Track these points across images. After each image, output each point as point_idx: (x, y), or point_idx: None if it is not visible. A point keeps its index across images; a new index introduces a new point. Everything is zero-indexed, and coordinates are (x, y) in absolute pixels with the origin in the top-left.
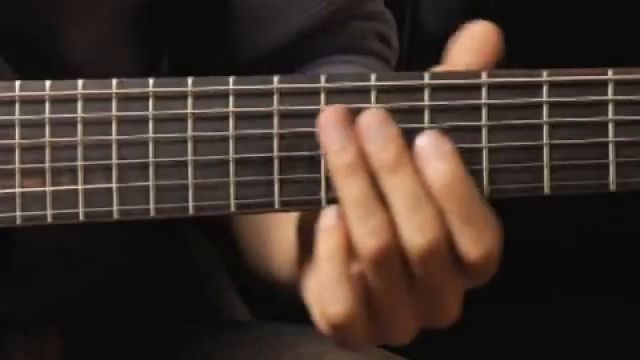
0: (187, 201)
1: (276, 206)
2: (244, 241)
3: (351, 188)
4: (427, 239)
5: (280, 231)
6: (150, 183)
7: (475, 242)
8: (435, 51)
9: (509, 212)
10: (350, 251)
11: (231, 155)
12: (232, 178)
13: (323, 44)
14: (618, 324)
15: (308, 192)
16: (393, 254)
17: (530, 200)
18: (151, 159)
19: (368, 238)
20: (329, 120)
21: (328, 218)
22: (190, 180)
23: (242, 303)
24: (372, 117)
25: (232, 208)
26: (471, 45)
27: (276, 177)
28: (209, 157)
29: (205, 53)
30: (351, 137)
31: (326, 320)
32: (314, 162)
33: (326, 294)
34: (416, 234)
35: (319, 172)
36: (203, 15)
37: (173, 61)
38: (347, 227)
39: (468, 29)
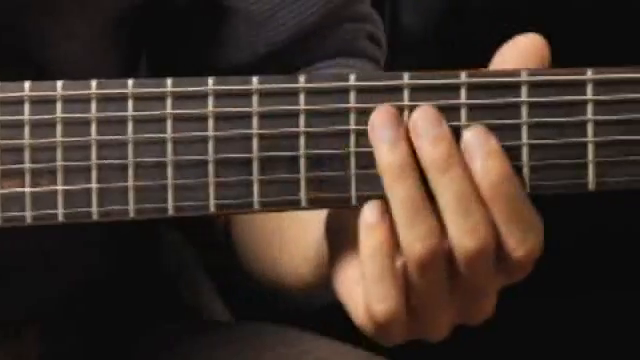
0: (166, 202)
1: (256, 207)
2: (246, 246)
3: (401, 188)
4: (476, 243)
5: (297, 233)
6: (129, 184)
7: (521, 241)
8: (415, 51)
9: None
10: (394, 247)
11: (210, 156)
12: (212, 179)
13: (315, 48)
14: (617, 322)
15: (288, 192)
16: (439, 258)
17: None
18: (130, 160)
19: (416, 243)
20: (380, 119)
21: (370, 214)
22: (170, 181)
23: (222, 303)
24: (423, 115)
25: (212, 209)
26: (515, 56)
27: (256, 178)
28: (189, 158)
29: (189, 55)
30: (402, 135)
31: (370, 317)
32: (294, 162)
33: (371, 291)
34: (465, 238)
35: (299, 172)
36: (193, 18)
37: (152, 62)
38: (392, 225)
39: (515, 40)
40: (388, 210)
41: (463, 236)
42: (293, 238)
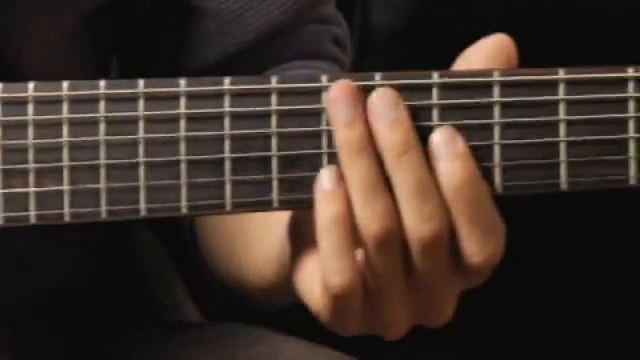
0: (139, 203)
1: (228, 208)
2: (211, 245)
3: (358, 167)
4: (431, 231)
5: (261, 233)
6: (102, 185)
7: (481, 245)
8: (386, 51)
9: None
10: (351, 219)
11: (183, 156)
12: (184, 180)
13: (281, 49)
14: (612, 323)
15: (260, 193)
16: (394, 238)
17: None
18: (102, 161)
19: (372, 221)
20: (338, 94)
21: (326, 181)
22: (142, 182)
23: (194, 304)
24: (382, 96)
25: (184, 210)
26: (482, 57)
27: (228, 178)
28: (161, 158)
29: (158, 56)
30: (360, 114)
31: (327, 292)
32: (266, 163)
33: (327, 264)
34: (421, 225)
35: (271, 173)
36: (160, 18)
37: (122, 63)
38: (348, 196)
39: (481, 41)
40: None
41: (419, 223)
42: (257, 238)
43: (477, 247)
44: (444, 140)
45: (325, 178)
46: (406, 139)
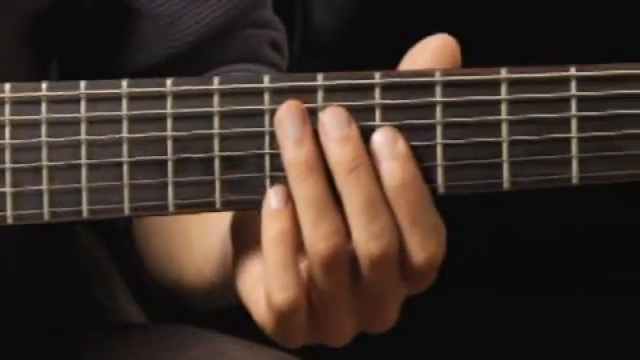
0: (81, 205)
1: (170, 209)
2: (149, 245)
3: (306, 186)
4: (381, 248)
5: (202, 232)
6: (44, 187)
7: (422, 246)
8: (328, 51)
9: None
10: (297, 236)
11: (125, 158)
12: (126, 181)
13: (220, 52)
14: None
15: (203, 195)
16: (343, 258)
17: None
18: (45, 163)
19: (319, 242)
20: (286, 114)
21: (273, 201)
22: (84, 183)
23: (137, 305)
24: (333, 115)
25: (126, 211)
26: (426, 57)
27: (170, 180)
28: (103, 160)
29: (97, 58)
30: (309, 132)
31: (270, 309)
32: (209, 164)
33: (271, 280)
34: (371, 243)
35: (214, 174)
36: (100, 20)
37: (62, 66)
38: (295, 213)
39: (425, 41)
40: (292, 200)
41: (368, 241)
42: (197, 237)
43: (419, 247)
44: (385, 141)
45: (272, 197)
46: (356, 155)
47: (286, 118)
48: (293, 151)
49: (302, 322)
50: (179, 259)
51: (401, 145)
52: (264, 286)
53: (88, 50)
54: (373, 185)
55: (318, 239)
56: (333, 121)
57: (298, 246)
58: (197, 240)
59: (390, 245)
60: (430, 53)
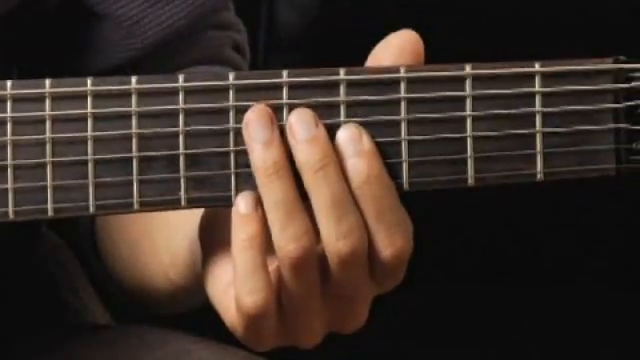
0: (46, 203)
1: (135, 207)
2: (112, 248)
3: (274, 189)
4: (350, 247)
5: (169, 234)
6: (9, 186)
7: (388, 241)
8: (292, 49)
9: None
10: (266, 241)
11: (90, 156)
12: (91, 179)
13: (181, 54)
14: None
15: (168, 192)
16: (312, 260)
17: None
18: (9, 161)
19: (288, 243)
20: (254, 117)
21: (243, 205)
22: (49, 182)
23: (102, 305)
24: (299, 116)
25: (91, 209)
26: (389, 54)
27: (135, 177)
28: (68, 158)
29: (58, 61)
30: (277, 135)
31: (240, 312)
32: (173, 162)
33: (241, 284)
34: (340, 242)
35: (178, 172)
36: (61, 22)
37: (22, 68)
38: (264, 218)
39: (388, 38)
40: (262, 203)
41: (337, 240)
42: (163, 239)
43: (386, 242)
44: (350, 138)
45: (241, 203)
46: (323, 155)
47: (253, 121)
48: (261, 154)
49: (272, 325)
50: (143, 260)
51: (366, 141)
52: (234, 290)
53: (49, 52)
54: (340, 184)
55: (287, 241)
56: (300, 122)
57: (267, 249)
58: (163, 242)
59: (359, 243)
60: (393, 50)
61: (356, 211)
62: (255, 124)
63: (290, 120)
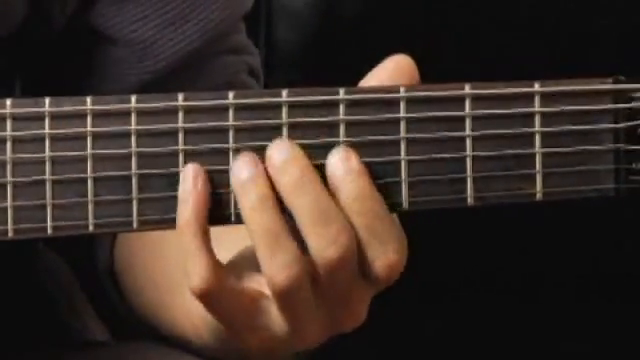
0: (45, 221)
1: (135, 225)
2: (141, 302)
3: (259, 220)
4: (338, 252)
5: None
6: (8, 204)
7: (381, 253)
8: (291, 68)
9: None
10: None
11: (89, 174)
12: (90, 197)
13: (194, 78)
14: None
15: (166, 211)
16: (303, 283)
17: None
18: (9, 179)
19: (278, 273)
20: (237, 165)
21: (244, 171)
22: (48, 200)
23: (101, 323)
24: (276, 147)
25: (91, 228)
26: (384, 79)
27: (135, 196)
28: (67, 176)
29: (64, 84)
30: (260, 172)
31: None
32: (172, 180)
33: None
34: (328, 249)
35: (176, 190)
36: (69, 44)
37: (26, 90)
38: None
39: (384, 62)
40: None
41: (326, 247)
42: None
43: (379, 255)
44: (338, 159)
45: (243, 168)
46: (300, 173)
47: (237, 168)
48: (244, 193)
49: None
50: (172, 313)
51: (354, 162)
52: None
53: (57, 73)
54: (321, 194)
55: (277, 270)
56: (277, 151)
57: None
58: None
59: (348, 248)
60: (389, 73)
61: (340, 217)
62: (238, 169)
63: (268, 154)
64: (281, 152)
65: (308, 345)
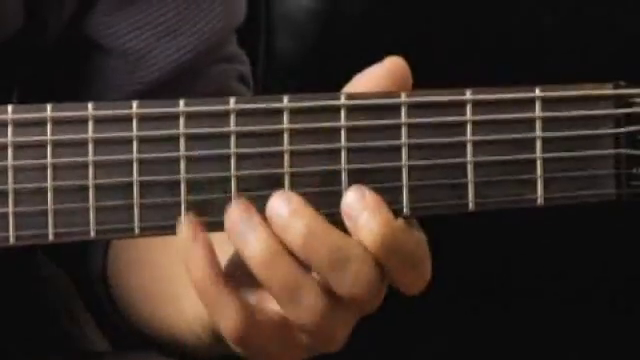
0: (47, 227)
1: (136, 232)
2: (136, 311)
3: (274, 273)
4: (364, 288)
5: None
6: (10, 210)
7: (413, 280)
8: (291, 76)
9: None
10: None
11: (91, 181)
12: (92, 203)
13: (188, 88)
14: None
15: (168, 217)
16: (330, 317)
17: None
18: (10, 186)
19: (303, 316)
20: (232, 216)
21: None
22: (49, 206)
23: (101, 333)
24: (274, 204)
25: (92, 234)
26: (374, 78)
27: (136, 202)
28: (69, 183)
29: (60, 93)
30: (258, 221)
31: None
32: (174, 187)
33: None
34: (354, 288)
35: (179, 196)
36: (64, 54)
37: (22, 100)
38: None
39: (377, 64)
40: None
41: (350, 288)
42: (186, 287)
43: (411, 282)
44: (354, 198)
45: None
46: (309, 226)
47: (231, 220)
48: (249, 247)
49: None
50: (169, 322)
51: (370, 198)
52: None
53: (49, 86)
54: (335, 236)
55: (301, 313)
56: (277, 208)
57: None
58: (186, 293)
59: (370, 281)
60: (377, 78)
61: (356, 253)
62: (234, 222)
63: (267, 213)
64: (282, 204)
65: (337, 347)
